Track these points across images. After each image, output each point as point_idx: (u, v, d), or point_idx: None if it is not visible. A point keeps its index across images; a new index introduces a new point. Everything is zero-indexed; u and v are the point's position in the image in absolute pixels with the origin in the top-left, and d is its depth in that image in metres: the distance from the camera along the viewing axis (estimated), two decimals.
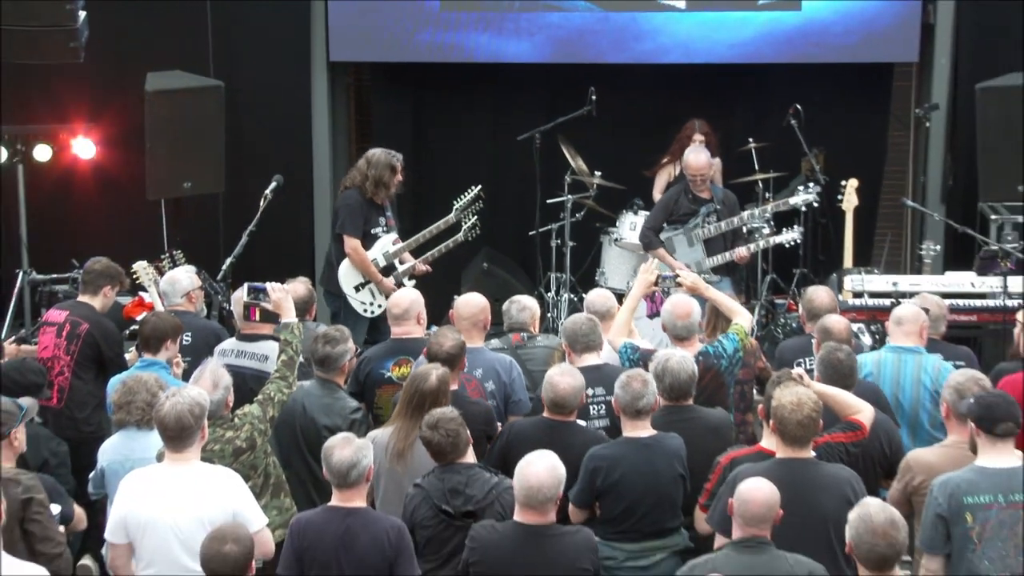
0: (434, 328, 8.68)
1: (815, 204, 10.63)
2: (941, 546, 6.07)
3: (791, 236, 10.43)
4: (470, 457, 6.44)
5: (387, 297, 9.91)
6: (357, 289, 9.90)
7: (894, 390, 7.61)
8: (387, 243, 10.01)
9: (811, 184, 10.62)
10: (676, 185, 10.73)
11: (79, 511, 6.69)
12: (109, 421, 7.50)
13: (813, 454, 6.31)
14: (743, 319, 7.84)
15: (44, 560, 6.02)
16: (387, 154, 9.93)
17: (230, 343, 8.04)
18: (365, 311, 9.92)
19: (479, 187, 10.08)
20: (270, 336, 7.73)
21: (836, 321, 7.76)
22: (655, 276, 8.25)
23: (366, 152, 10.12)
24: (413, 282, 10.05)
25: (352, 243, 9.89)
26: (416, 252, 10.10)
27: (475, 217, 10.05)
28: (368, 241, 9.95)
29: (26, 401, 6.86)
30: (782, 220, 10.89)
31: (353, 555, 5.94)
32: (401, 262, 10.05)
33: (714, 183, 10.60)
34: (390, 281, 9.96)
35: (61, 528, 6.33)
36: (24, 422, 6.58)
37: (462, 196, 10.07)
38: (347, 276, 9.93)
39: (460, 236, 10.08)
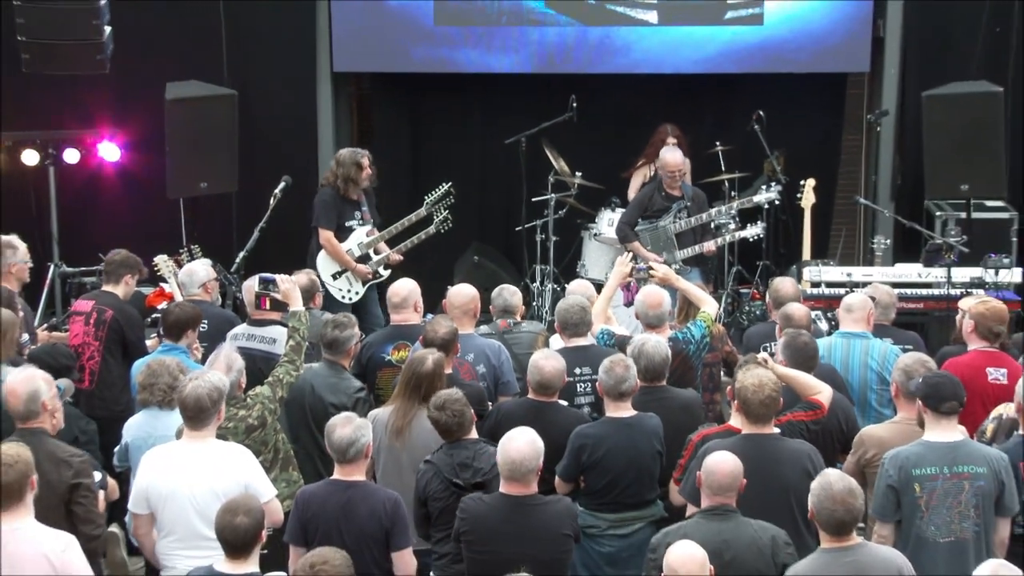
0: (429, 316, 8.68)
1: (776, 202, 10.64)
2: (892, 514, 6.09)
3: (755, 231, 10.45)
4: (474, 434, 6.41)
5: (363, 284, 9.95)
6: (334, 277, 9.92)
7: (843, 372, 7.60)
8: (361, 235, 10.03)
9: (773, 184, 10.63)
10: (650, 184, 10.73)
11: (112, 483, 6.66)
12: (134, 400, 7.49)
13: (776, 430, 6.32)
14: (710, 307, 7.84)
15: (83, 539, 5.96)
16: (353, 153, 9.99)
17: (242, 328, 8.01)
18: (343, 298, 9.93)
19: (449, 183, 10.07)
20: (277, 321, 7.72)
21: (797, 308, 7.77)
22: (630, 268, 8.28)
23: (337, 153, 10.21)
24: (388, 271, 10.08)
25: (325, 235, 9.93)
26: (391, 243, 10.11)
27: (446, 212, 10.01)
28: (343, 233, 9.99)
29: (63, 382, 6.82)
30: (746, 216, 10.91)
31: (353, 524, 5.93)
32: (377, 252, 10.07)
33: (684, 182, 10.59)
34: (365, 268, 9.97)
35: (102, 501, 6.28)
36: (62, 401, 6.55)
37: (434, 191, 10.05)
38: (324, 266, 9.93)
39: (432, 229, 10.06)
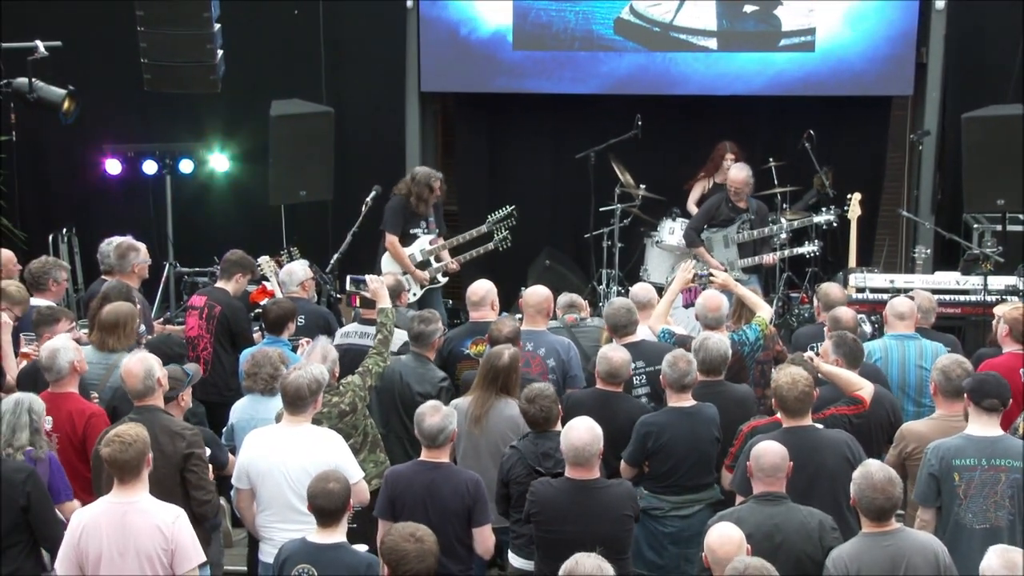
0: (504, 314, 8.67)
1: (835, 224, 10.54)
2: (933, 500, 6.02)
3: (811, 248, 10.39)
4: (559, 426, 6.34)
5: (421, 287, 9.97)
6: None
7: (900, 372, 7.54)
8: (425, 242, 10.06)
9: (831, 207, 10.54)
10: (718, 195, 10.66)
11: (232, 459, 6.68)
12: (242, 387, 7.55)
13: (818, 425, 6.26)
14: (765, 312, 7.79)
15: (196, 503, 6.08)
16: (428, 174, 10.00)
17: (353, 327, 8.07)
18: None
19: (513, 207, 10.08)
20: None
21: (845, 312, 7.69)
22: (692, 274, 8.23)
23: (415, 168, 10.24)
24: (446, 278, 10.13)
25: (390, 239, 9.98)
26: (453, 253, 10.15)
27: (507, 232, 10.01)
28: (408, 239, 10.03)
29: (191, 367, 6.88)
30: (799, 230, 10.80)
31: (437, 502, 5.93)
32: (438, 260, 10.07)
33: (749, 196, 10.51)
34: (423, 274, 9.99)
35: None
36: (190, 385, 6.61)
37: (498, 211, 10.04)
38: (387, 267, 9.96)
39: (491, 245, 10.07)
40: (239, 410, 7.00)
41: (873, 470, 5.35)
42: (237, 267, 8.57)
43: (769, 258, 10.34)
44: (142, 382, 6.22)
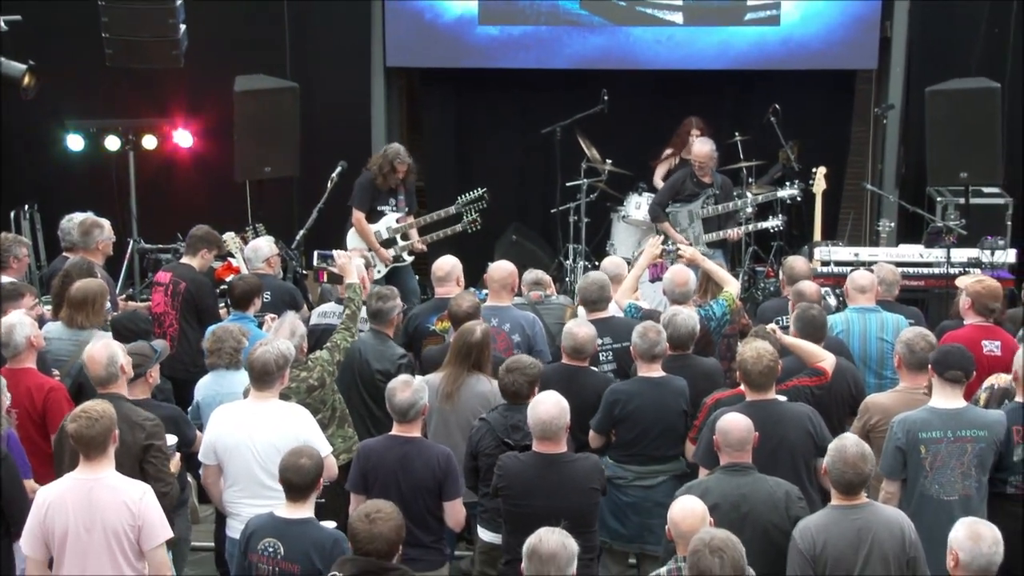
0: (471, 289, 8.68)
1: (798, 199, 10.58)
2: (899, 472, 6.08)
3: (775, 223, 10.43)
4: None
5: (385, 265, 9.95)
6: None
7: (862, 344, 7.58)
8: (392, 220, 10.04)
9: (795, 181, 10.57)
10: (683, 169, 10.67)
11: (199, 436, 6.66)
12: None
13: (781, 397, 6.30)
14: (732, 287, 7.83)
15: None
16: (396, 152, 9.97)
17: (331, 306, 8.05)
18: None
19: (484, 190, 10.04)
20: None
21: (808, 285, 7.73)
22: (659, 249, 8.26)
23: (389, 144, 10.19)
24: (412, 257, 10.11)
25: (356, 215, 9.98)
26: (422, 233, 10.13)
27: (477, 215, 10.00)
28: (375, 217, 10.00)
29: (159, 344, 6.84)
30: (765, 205, 10.84)
31: (409, 475, 5.94)
32: (406, 238, 10.04)
33: (714, 171, 10.54)
34: (387, 252, 9.98)
35: (175, 461, 6.30)
36: (158, 362, 6.59)
37: (469, 193, 10.03)
38: (353, 243, 9.94)
39: (459, 227, 10.06)
40: (204, 387, 6.98)
41: (848, 444, 5.37)
42: (202, 243, 8.54)
43: (734, 232, 10.38)
44: (105, 369, 6.16)
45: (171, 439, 6.26)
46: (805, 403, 6.39)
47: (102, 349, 6.21)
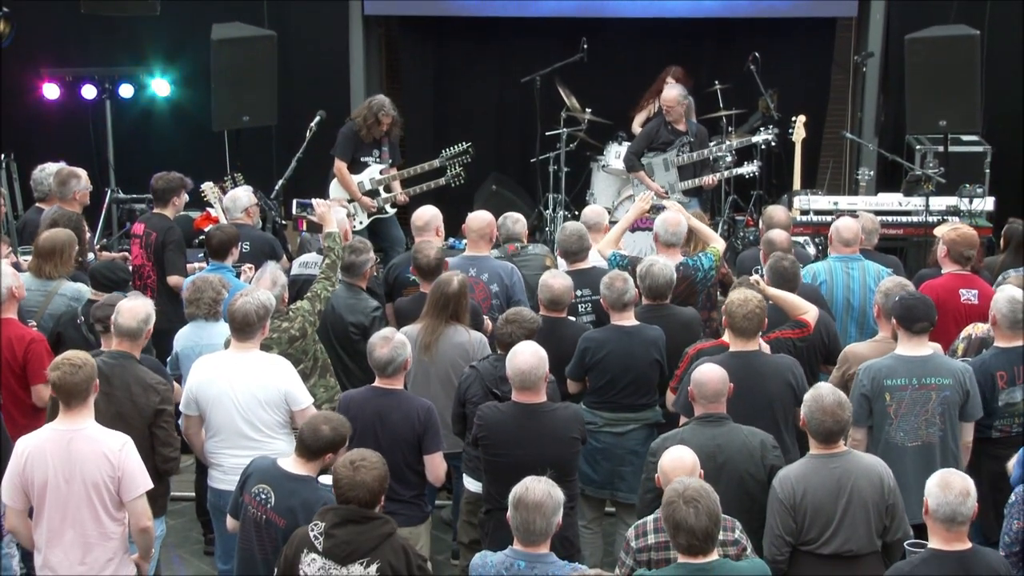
0: (452, 239, 8.66)
1: (773, 143, 10.55)
2: (864, 419, 6.12)
3: (751, 168, 10.41)
4: None
5: (368, 215, 9.90)
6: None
7: (845, 293, 7.60)
8: (375, 171, 9.98)
9: (770, 126, 10.54)
10: (657, 118, 10.60)
11: (177, 387, 6.66)
12: None
13: (765, 347, 6.31)
14: (718, 244, 7.84)
15: (160, 459, 6.05)
16: (381, 104, 9.87)
17: (311, 256, 8.03)
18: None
19: (469, 144, 9.98)
20: None
21: (778, 234, 7.74)
22: (649, 204, 8.21)
23: (374, 96, 10.10)
24: (395, 209, 10.06)
25: (338, 164, 9.92)
26: (405, 185, 10.06)
27: (461, 169, 9.94)
28: (358, 167, 9.95)
29: (135, 296, 6.79)
30: (743, 153, 10.83)
31: (388, 427, 5.94)
32: (389, 190, 9.99)
33: (690, 119, 10.47)
34: (371, 201, 9.93)
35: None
36: None
37: (453, 146, 9.97)
38: (336, 193, 9.90)
39: (443, 181, 10.01)
40: (183, 337, 6.96)
41: (824, 393, 5.39)
42: (169, 192, 8.43)
43: (709, 179, 10.32)
44: (137, 323, 6.13)
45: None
46: (787, 355, 6.39)
47: (142, 307, 6.22)
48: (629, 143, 10.90)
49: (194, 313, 6.91)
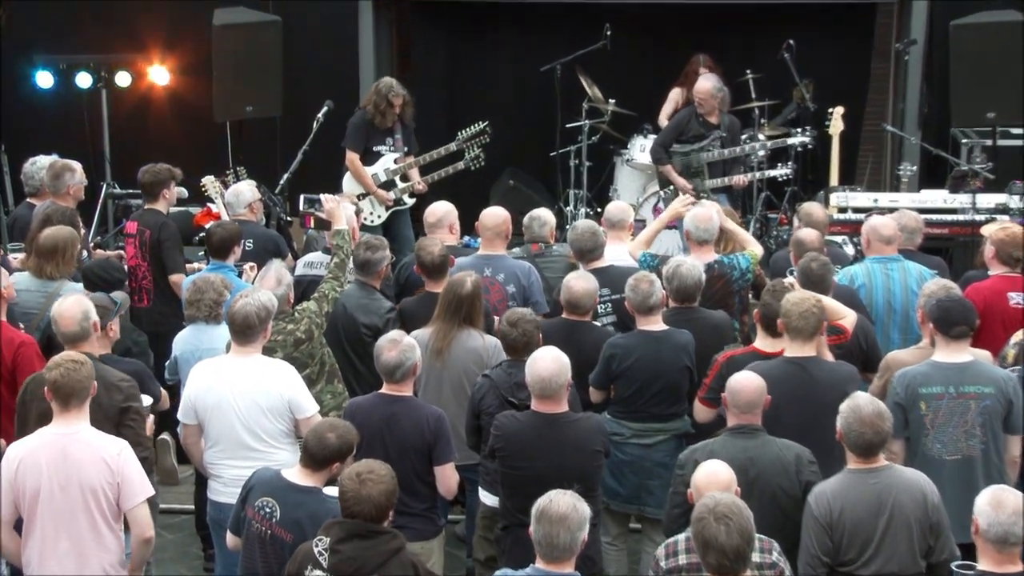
0: (467, 237, 8.65)
1: (810, 147, 10.52)
2: (900, 430, 6.06)
3: (784, 172, 10.39)
4: None
5: (385, 208, 9.88)
6: (358, 199, 9.78)
7: (886, 296, 7.54)
8: (389, 161, 9.97)
9: (807, 127, 10.49)
10: (687, 108, 10.56)
11: (164, 393, 6.68)
12: None
13: (828, 353, 6.27)
14: (757, 248, 7.80)
15: None
16: (389, 86, 9.84)
17: (317, 256, 8.02)
18: (366, 219, 9.76)
19: (486, 123, 9.94)
20: None
21: (807, 233, 7.71)
22: (687, 209, 8.13)
23: (380, 80, 10.07)
24: (413, 200, 10.00)
25: (350, 156, 9.90)
26: (423, 173, 10.02)
27: (479, 150, 9.90)
28: (371, 157, 9.92)
29: (119, 295, 6.82)
30: (776, 150, 10.78)
31: (396, 436, 5.92)
32: (405, 180, 9.96)
33: (721, 111, 10.43)
34: (387, 194, 9.90)
35: (149, 423, 6.28)
36: (119, 315, 6.56)
37: (470, 127, 9.94)
38: (349, 187, 9.87)
39: (461, 164, 9.97)
40: (182, 341, 6.97)
41: (862, 403, 5.35)
42: (158, 185, 8.40)
43: (740, 179, 10.28)
44: (79, 324, 6.11)
45: (146, 399, 6.25)
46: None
47: (75, 304, 6.17)
48: (655, 135, 10.88)
49: (194, 315, 6.92)
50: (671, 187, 10.26)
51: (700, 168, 10.24)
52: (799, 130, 10.58)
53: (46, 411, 5.77)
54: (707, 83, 10.24)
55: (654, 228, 8.05)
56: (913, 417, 6.05)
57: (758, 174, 10.46)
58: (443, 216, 7.97)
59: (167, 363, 7.01)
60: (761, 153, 10.52)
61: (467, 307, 6.73)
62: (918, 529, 5.24)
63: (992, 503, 4.75)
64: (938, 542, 5.28)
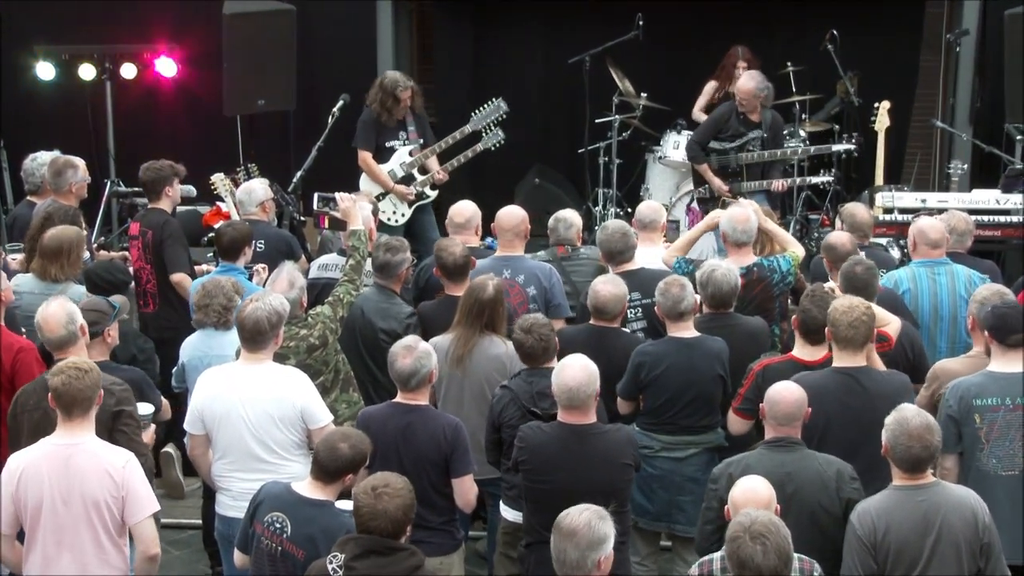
0: (489, 239, 8.67)
1: (855, 154, 10.47)
2: (953, 445, 6.05)
3: (826, 179, 10.38)
4: (555, 362, 6.29)
5: (408, 205, 9.88)
6: (378, 199, 9.78)
7: (933, 302, 7.52)
8: (404, 154, 9.95)
9: (855, 134, 10.48)
10: (727, 104, 10.51)
11: (165, 403, 6.73)
12: None
13: (879, 363, 6.26)
14: (798, 249, 7.80)
15: None
16: (395, 81, 9.85)
17: (332, 258, 8.05)
18: (389, 220, 9.81)
19: (500, 98, 9.91)
20: None
21: (837, 237, 7.66)
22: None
23: (383, 75, 10.07)
24: (436, 192, 10.01)
25: (362, 155, 9.91)
26: (441, 160, 10.00)
27: (498, 128, 9.87)
28: (384, 154, 9.93)
29: (118, 299, 6.87)
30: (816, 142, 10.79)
31: (412, 447, 5.94)
32: (423, 171, 9.97)
33: (765, 108, 10.38)
34: (407, 189, 9.90)
35: (150, 433, 6.32)
36: (117, 320, 6.60)
37: (484, 106, 9.93)
38: (366, 188, 9.88)
39: (480, 147, 9.93)
40: (190, 347, 7.00)
41: (909, 415, 5.32)
42: (160, 183, 8.40)
43: (779, 184, 10.23)
44: (65, 328, 6.16)
45: (146, 408, 6.27)
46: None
47: (59, 307, 6.21)
48: (689, 132, 10.88)
49: (203, 320, 6.96)
50: (706, 186, 10.26)
51: (739, 169, 10.24)
52: (844, 135, 10.53)
53: (38, 423, 5.86)
54: (751, 83, 10.19)
55: (691, 236, 8.06)
56: (967, 431, 6.02)
57: (798, 180, 10.42)
58: (471, 216, 7.98)
59: (174, 370, 7.05)
60: (801, 155, 10.47)
61: (489, 312, 6.75)
62: (967, 550, 5.21)
63: None
64: (988, 563, 5.25)
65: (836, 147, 10.50)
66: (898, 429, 5.29)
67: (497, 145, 9.95)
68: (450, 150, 10.05)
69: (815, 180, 10.40)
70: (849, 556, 5.29)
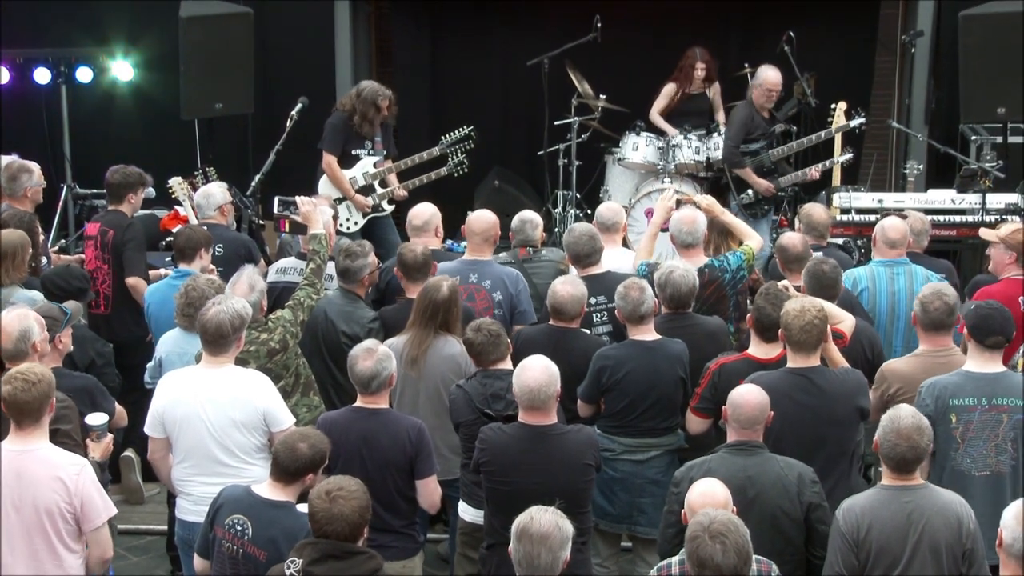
0: (450, 241, 8.68)
1: (863, 128, 10.57)
2: None
3: (848, 156, 10.44)
4: (508, 364, 6.37)
5: (363, 215, 9.89)
6: (335, 203, 9.78)
7: (891, 301, 7.57)
8: (368, 165, 9.96)
9: (859, 108, 10.49)
10: (744, 106, 10.59)
11: (120, 409, 6.69)
12: (152, 321, 7.52)
13: (842, 360, 6.31)
14: (754, 242, 7.83)
15: None
16: (375, 92, 9.85)
17: (291, 261, 8.04)
18: (341, 226, 9.76)
19: (471, 128, 9.98)
20: None
21: (790, 238, 7.68)
22: (674, 202, 8.20)
23: (360, 85, 10.05)
24: (392, 206, 10.03)
25: (327, 159, 9.90)
26: (402, 177, 10.05)
27: (463, 156, 9.95)
28: (350, 161, 9.92)
29: (71, 305, 6.84)
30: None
31: (375, 452, 5.95)
32: (384, 185, 9.98)
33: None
34: (365, 200, 9.91)
35: (106, 442, 6.25)
36: (69, 325, 6.57)
37: (454, 132, 9.97)
38: (325, 191, 9.87)
39: (444, 171, 10.01)
40: (169, 342, 6.97)
41: (903, 414, 5.33)
42: (125, 188, 8.46)
43: (813, 172, 10.40)
44: (14, 343, 6.10)
45: (99, 418, 6.13)
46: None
47: (16, 321, 6.15)
48: (648, 133, 10.92)
49: (187, 327, 6.85)
50: (749, 190, 10.34)
51: (773, 167, 10.33)
52: (855, 111, 10.52)
53: None
54: (776, 74, 10.34)
55: (650, 234, 8.06)
56: (942, 430, 6.00)
57: (827, 163, 10.48)
58: (430, 219, 8.00)
59: (149, 365, 7.04)
60: (824, 137, 10.48)
61: (443, 313, 6.76)
62: (949, 555, 5.20)
63: (1018, 517, 4.74)
64: (971, 570, 5.23)
65: (853, 123, 10.43)
66: (889, 427, 5.30)
67: (459, 173, 9.99)
68: (413, 168, 10.08)
69: (842, 158, 10.44)
70: (832, 552, 5.30)
